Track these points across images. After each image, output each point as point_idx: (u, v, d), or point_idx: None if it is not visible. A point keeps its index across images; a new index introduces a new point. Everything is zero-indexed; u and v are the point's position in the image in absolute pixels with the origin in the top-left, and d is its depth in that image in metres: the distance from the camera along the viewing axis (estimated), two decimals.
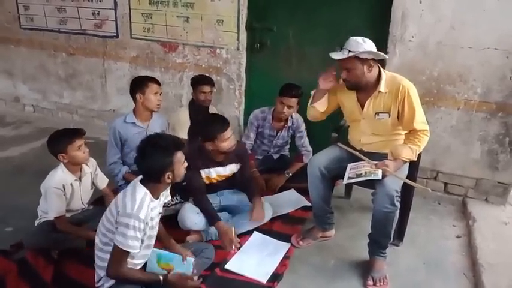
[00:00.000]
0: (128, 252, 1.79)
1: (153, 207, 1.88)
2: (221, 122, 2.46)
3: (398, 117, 2.26)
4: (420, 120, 2.22)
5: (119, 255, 1.78)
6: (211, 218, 2.49)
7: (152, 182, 1.86)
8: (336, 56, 2.15)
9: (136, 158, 1.87)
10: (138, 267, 1.94)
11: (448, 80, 2.90)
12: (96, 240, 1.90)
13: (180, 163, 1.89)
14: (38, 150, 3.79)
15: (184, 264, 1.96)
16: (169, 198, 2.11)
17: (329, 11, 3.21)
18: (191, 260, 1.98)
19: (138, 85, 2.75)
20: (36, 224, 2.34)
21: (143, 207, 1.78)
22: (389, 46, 2.95)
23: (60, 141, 2.25)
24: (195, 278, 1.97)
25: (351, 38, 2.16)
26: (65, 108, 4.55)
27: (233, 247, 2.40)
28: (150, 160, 1.81)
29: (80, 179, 2.36)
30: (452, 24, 2.79)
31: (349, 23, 3.11)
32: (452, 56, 2.84)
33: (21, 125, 4.41)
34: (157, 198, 1.91)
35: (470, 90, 2.87)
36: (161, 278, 1.89)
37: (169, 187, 1.97)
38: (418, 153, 2.23)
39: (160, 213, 1.99)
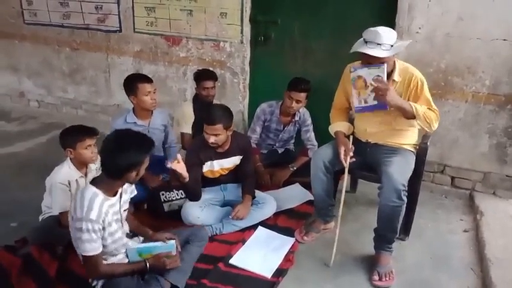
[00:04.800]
0: (94, 256, 1.77)
1: (111, 205, 1.84)
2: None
3: None
4: (434, 107, 2.23)
5: (88, 260, 1.79)
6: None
7: (111, 178, 1.80)
8: (382, 53, 2.06)
9: (103, 150, 1.78)
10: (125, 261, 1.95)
11: (456, 72, 2.85)
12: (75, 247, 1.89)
13: (145, 165, 1.84)
14: (43, 145, 3.80)
15: (167, 246, 1.95)
16: (135, 193, 2.08)
17: (334, 3, 3.16)
18: (173, 242, 1.97)
19: (129, 88, 2.70)
20: (40, 220, 2.34)
21: (93, 208, 1.74)
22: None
23: (71, 136, 2.25)
24: (174, 252, 1.96)
25: (379, 31, 2.08)
26: (70, 103, 4.55)
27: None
28: (120, 156, 1.74)
29: (85, 175, 2.35)
30: (460, 15, 2.73)
31: (355, 15, 3.07)
32: (460, 48, 2.79)
33: (26, 121, 4.42)
34: (114, 195, 1.86)
35: (478, 83, 2.82)
36: (147, 264, 1.90)
37: (124, 185, 1.91)
38: (417, 113, 2.15)
39: (125, 209, 1.97)
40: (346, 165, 2.28)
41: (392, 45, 2.09)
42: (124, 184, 1.90)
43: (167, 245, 1.95)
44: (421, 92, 2.21)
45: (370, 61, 2.12)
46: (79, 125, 2.34)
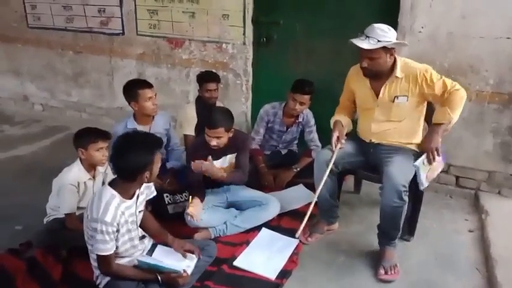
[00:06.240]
0: (107, 255, 1.80)
1: (127, 207, 1.85)
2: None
3: (423, 100, 2.27)
4: (450, 83, 2.21)
5: (100, 259, 1.82)
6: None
7: (126, 181, 1.82)
8: (365, 45, 2.09)
9: (113, 155, 1.80)
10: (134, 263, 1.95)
11: (459, 71, 2.83)
12: (87, 243, 1.91)
13: (158, 163, 1.86)
14: (47, 148, 3.82)
15: (175, 270, 1.93)
16: (154, 193, 2.09)
17: (336, 3, 3.15)
18: (187, 263, 1.98)
19: (130, 95, 2.69)
20: (45, 222, 2.35)
21: (109, 210, 1.76)
22: (398, 37, 2.87)
23: (85, 137, 2.28)
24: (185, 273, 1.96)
25: (375, 25, 2.13)
26: (74, 106, 4.57)
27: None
28: (131, 158, 1.75)
29: (93, 177, 2.37)
30: (463, 14, 2.72)
31: (357, 15, 3.06)
32: (464, 47, 2.78)
33: (30, 124, 4.44)
34: (130, 198, 1.87)
35: (482, 81, 2.80)
36: (159, 277, 1.89)
37: (142, 186, 1.93)
38: (455, 115, 2.17)
39: (140, 211, 1.97)
40: (336, 150, 2.29)
41: (379, 41, 2.10)
42: (141, 186, 1.91)
43: (175, 269, 1.92)
44: (432, 80, 2.19)
45: (361, 52, 2.15)
46: (93, 127, 2.36)
